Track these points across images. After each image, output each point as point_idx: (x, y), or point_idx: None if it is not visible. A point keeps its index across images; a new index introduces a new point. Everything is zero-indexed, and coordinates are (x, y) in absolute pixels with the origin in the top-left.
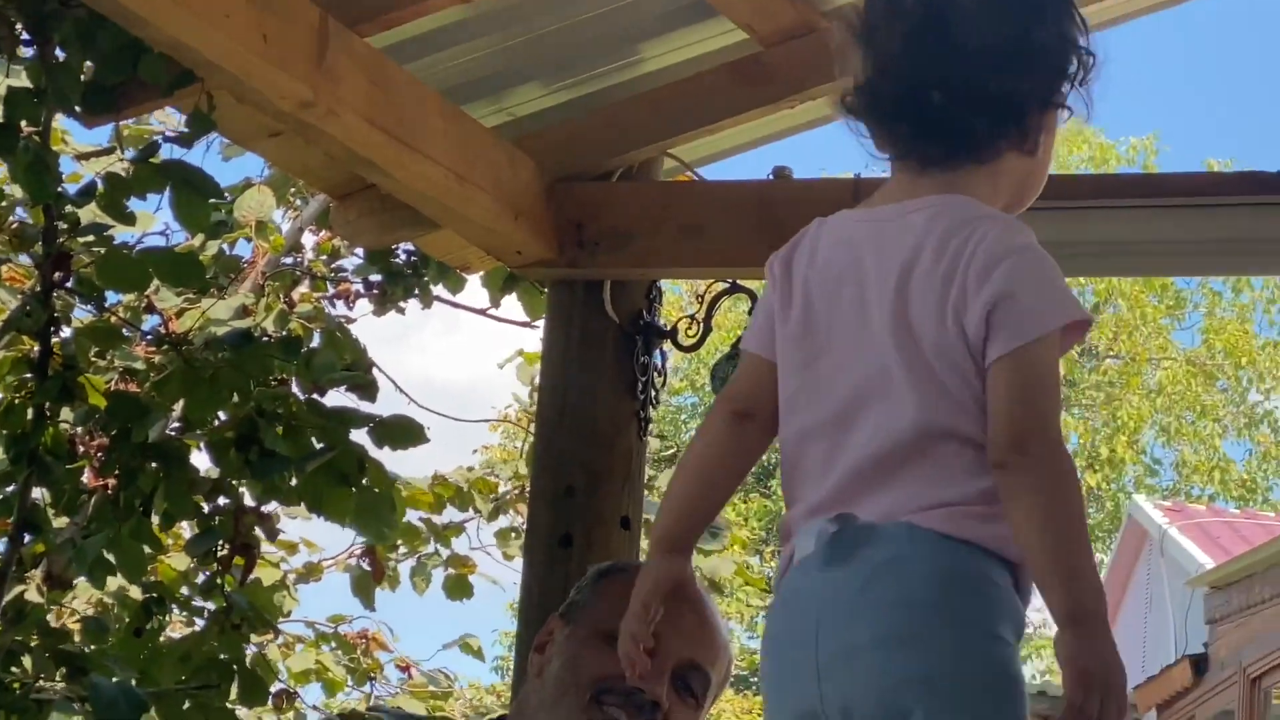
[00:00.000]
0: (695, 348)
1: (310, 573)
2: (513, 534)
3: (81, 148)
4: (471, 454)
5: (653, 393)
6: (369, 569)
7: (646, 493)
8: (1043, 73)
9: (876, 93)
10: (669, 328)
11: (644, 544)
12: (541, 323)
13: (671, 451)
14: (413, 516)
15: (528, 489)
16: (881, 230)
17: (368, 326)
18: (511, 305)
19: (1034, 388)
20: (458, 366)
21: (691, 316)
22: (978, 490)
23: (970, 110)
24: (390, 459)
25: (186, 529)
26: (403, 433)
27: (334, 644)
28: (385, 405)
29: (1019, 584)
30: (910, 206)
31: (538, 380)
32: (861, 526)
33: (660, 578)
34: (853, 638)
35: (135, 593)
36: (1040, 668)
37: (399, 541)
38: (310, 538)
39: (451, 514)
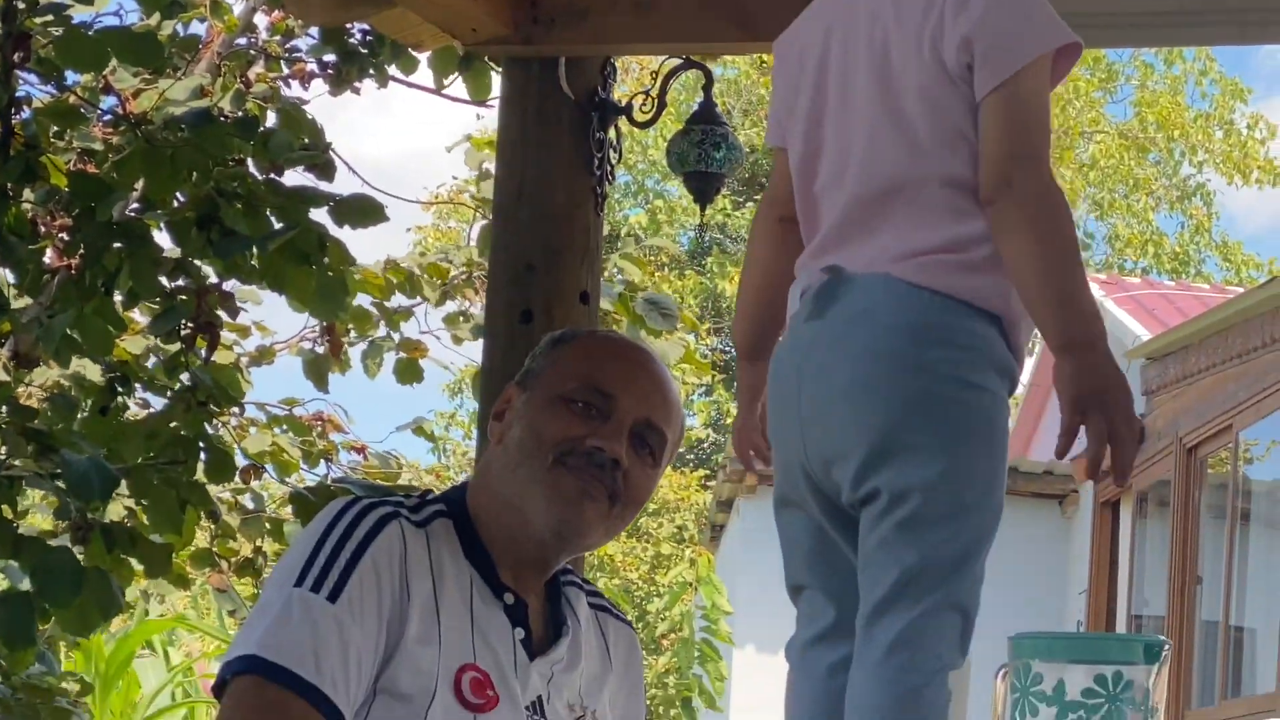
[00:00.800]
0: (650, 124)
1: (263, 356)
2: (461, 318)
3: None
4: (405, 232)
5: (608, 169)
6: (322, 352)
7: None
8: None
9: None
10: (624, 104)
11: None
12: (495, 103)
13: (605, 231)
14: (363, 300)
15: (474, 274)
16: None
17: (360, 90)
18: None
19: (1022, 122)
20: (386, 144)
21: (646, 92)
22: (957, 235)
23: None
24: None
25: (138, 315)
26: (362, 211)
27: (287, 426)
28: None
29: (1006, 336)
30: None
31: (485, 166)
32: (842, 279)
33: (751, 384)
34: (826, 388)
35: (93, 375)
36: None
37: (350, 325)
38: (259, 320)
39: (401, 299)
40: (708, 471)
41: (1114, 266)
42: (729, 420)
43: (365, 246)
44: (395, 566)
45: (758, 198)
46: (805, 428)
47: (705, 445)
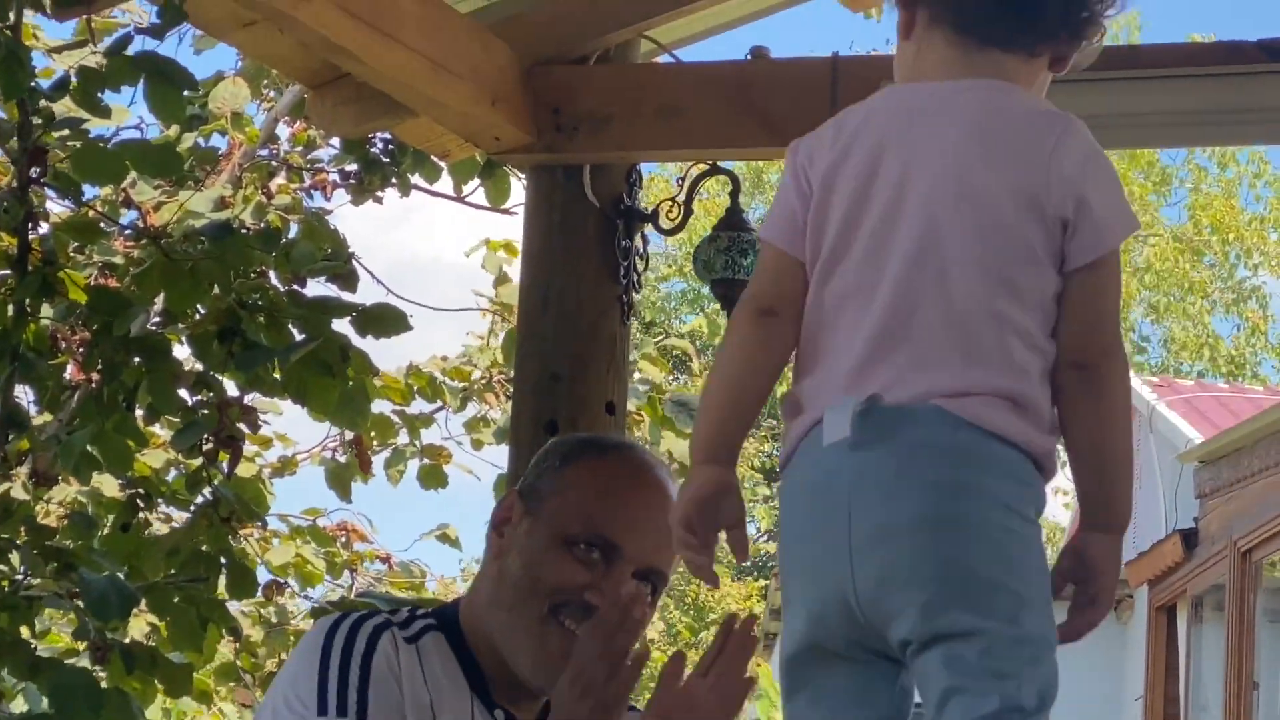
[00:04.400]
0: (676, 231)
1: (285, 466)
2: (481, 423)
3: (52, 43)
4: (465, 335)
5: (635, 277)
6: (343, 461)
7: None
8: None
9: None
10: (650, 211)
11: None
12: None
13: (660, 336)
14: (385, 407)
15: (495, 378)
16: (930, 103)
17: (368, 209)
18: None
19: (1113, 297)
20: (466, 244)
21: (673, 199)
22: (1010, 384)
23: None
24: (369, 347)
25: (158, 428)
26: (386, 320)
27: (310, 538)
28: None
29: (1044, 476)
30: (962, 86)
31: (504, 269)
32: (892, 408)
33: (700, 491)
34: (889, 519)
35: (109, 490)
36: None
37: (372, 433)
38: (279, 430)
39: (422, 406)
40: (769, 581)
41: (1169, 370)
42: None
43: (413, 353)
44: (392, 676)
45: None
46: (857, 559)
47: (766, 557)
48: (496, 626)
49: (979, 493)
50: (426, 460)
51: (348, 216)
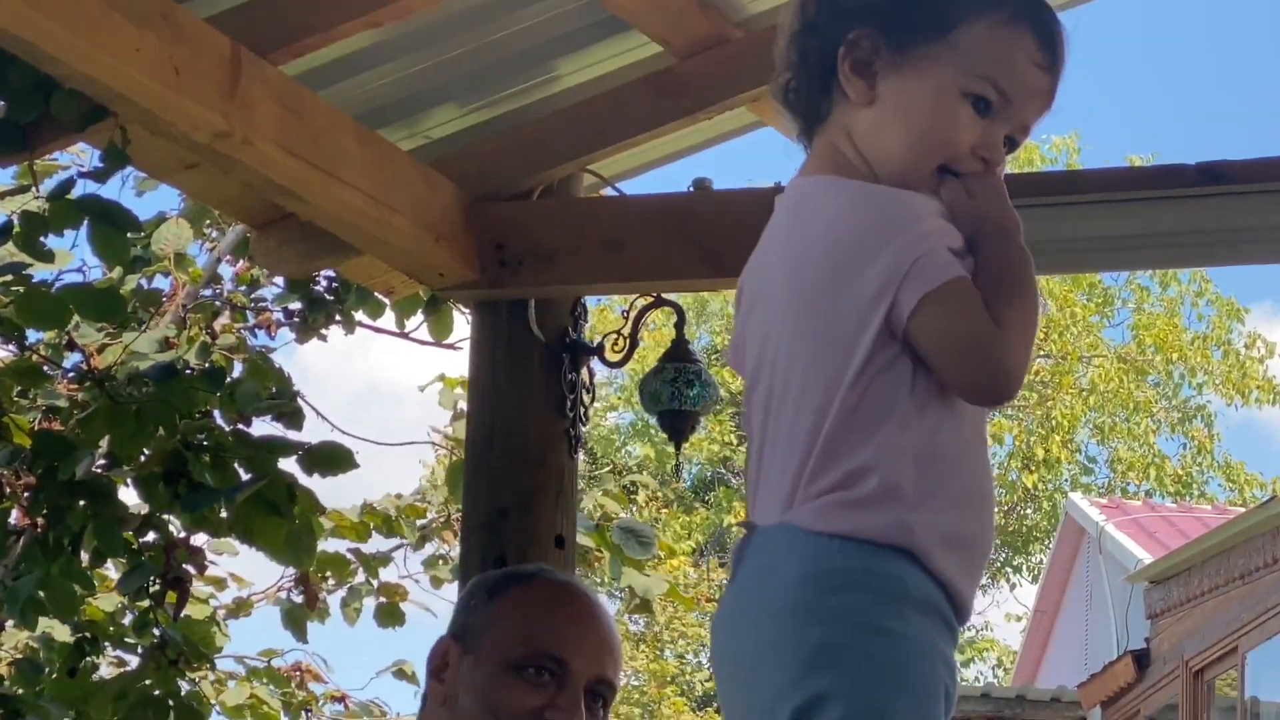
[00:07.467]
0: (622, 364)
1: (240, 608)
2: (440, 561)
3: None
4: (419, 465)
5: (582, 410)
6: (300, 601)
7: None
8: (842, 20)
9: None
10: (595, 344)
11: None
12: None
13: (608, 469)
14: (340, 546)
15: (452, 515)
16: (769, 228)
17: (328, 337)
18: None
19: (957, 319)
20: (418, 373)
21: (618, 332)
22: (843, 471)
23: (791, 76)
24: (318, 484)
25: (111, 570)
26: (332, 459)
27: (266, 679)
28: (314, 431)
29: (925, 567)
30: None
31: (460, 405)
32: (754, 533)
33: None
34: (736, 654)
35: (61, 634)
36: (982, 669)
37: (328, 573)
38: (235, 572)
39: (379, 544)
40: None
41: (1116, 490)
42: None
43: (367, 488)
44: None
45: None
46: (727, 695)
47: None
48: None
49: (815, 612)
50: (383, 599)
51: (303, 348)
